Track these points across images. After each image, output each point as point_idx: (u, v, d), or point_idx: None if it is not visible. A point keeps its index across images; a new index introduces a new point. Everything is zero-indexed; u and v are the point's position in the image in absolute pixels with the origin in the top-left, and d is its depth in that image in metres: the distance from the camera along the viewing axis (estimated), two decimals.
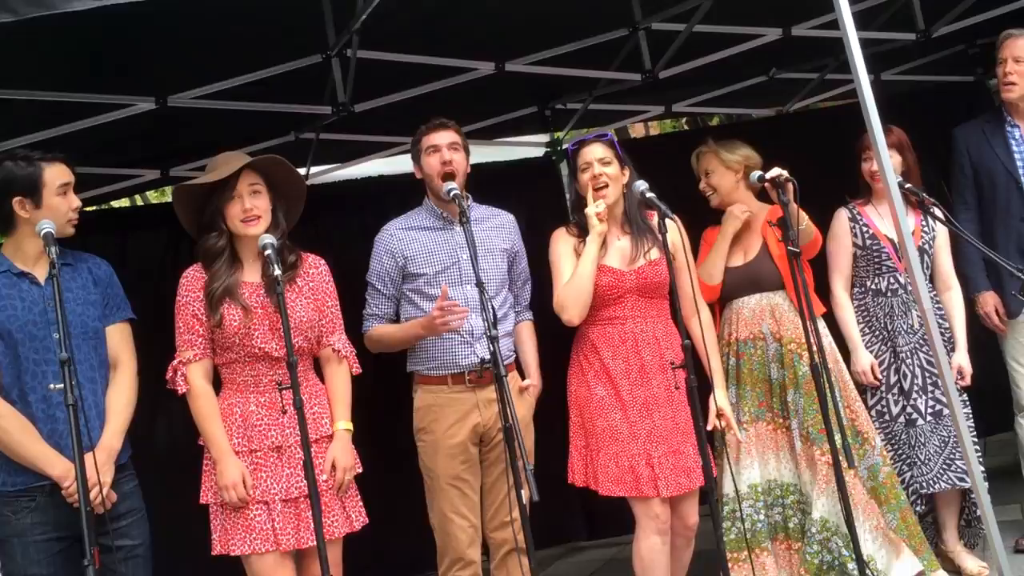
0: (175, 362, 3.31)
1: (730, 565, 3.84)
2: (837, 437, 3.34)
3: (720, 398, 3.79)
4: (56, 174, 3.23)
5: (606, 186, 3.75)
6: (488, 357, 3.12)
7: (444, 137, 3.71)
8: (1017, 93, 4.34)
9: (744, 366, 4.06)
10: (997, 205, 4.41)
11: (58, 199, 3.23)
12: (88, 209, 5.28)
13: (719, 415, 3.75)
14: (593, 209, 3.66)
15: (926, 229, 4.27)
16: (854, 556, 3.38)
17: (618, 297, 3.74)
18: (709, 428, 3.70)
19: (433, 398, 3.70)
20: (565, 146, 5.68)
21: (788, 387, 3.98)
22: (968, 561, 4.20)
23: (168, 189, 7.91)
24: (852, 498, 3.81)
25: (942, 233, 4.29)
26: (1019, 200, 4.37)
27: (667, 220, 3.35)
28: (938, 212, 3.98)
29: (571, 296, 3.68)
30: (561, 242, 3.86)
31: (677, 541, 3.78)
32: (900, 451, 4.15)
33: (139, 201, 8.89)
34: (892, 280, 4.22)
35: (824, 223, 4.27)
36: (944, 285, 4.32)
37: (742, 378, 4.06)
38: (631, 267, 3.75)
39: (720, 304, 4.19)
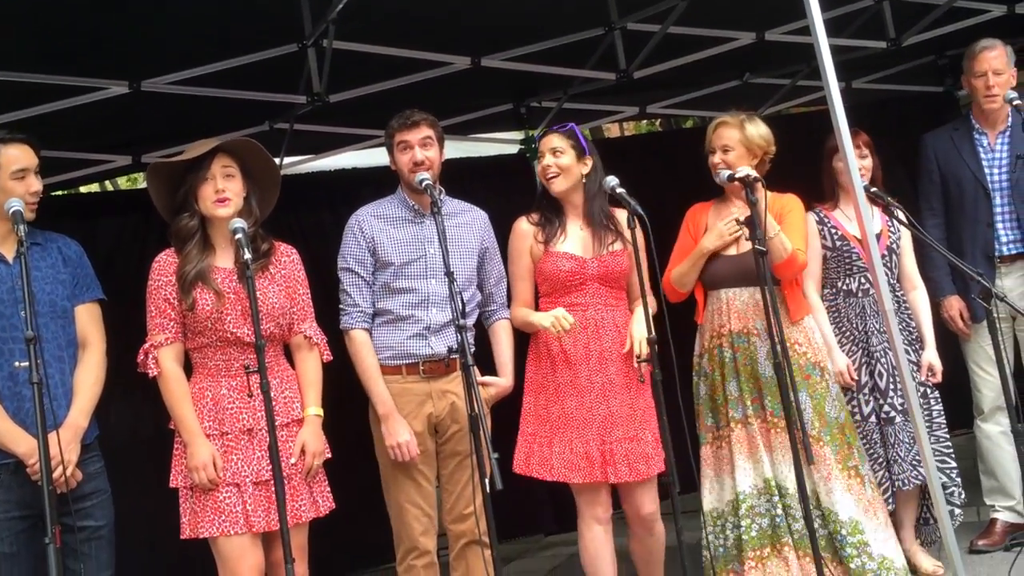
0: (146, 345, 3.30)
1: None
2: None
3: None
4: (13, 157, 3.17)
5: (556, 176, 3.80)
6: (455, 347, 3.13)
7: (415, 134, 3.69)
8: (999, 103, 4.44)
9: (740, 359, 3.98)
10: (965, 211, 4.50)
11: (12, 183, 3.16)
12: (56, 194, 5.26)
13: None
14: (552, 322, 3.65)
15: (892, 230, 4.33)
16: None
17: (580, 284, 3.78)
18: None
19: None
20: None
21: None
22: (924, 560, 4.24)
23: (138, 176, 7.86)
24: (863, 499, 3.85)
25: (906, 235, 4.36)
26: (986, 206, 4.45)
27: (635, 217, 3.41)
28: (901, 215, 4.04)
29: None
30: (517, 238, 3.90)
31: (636, 531, 3.83)
32: (873, 451, 4.16)
33: (108, 187, 8.79)
34: (863, 280, 4.25)
35: None
36: (910, 284, 4.38)
37: (740, 371, 3.97)
38: (593, 255, 3.80)
39: (704, 291, 4.10)
